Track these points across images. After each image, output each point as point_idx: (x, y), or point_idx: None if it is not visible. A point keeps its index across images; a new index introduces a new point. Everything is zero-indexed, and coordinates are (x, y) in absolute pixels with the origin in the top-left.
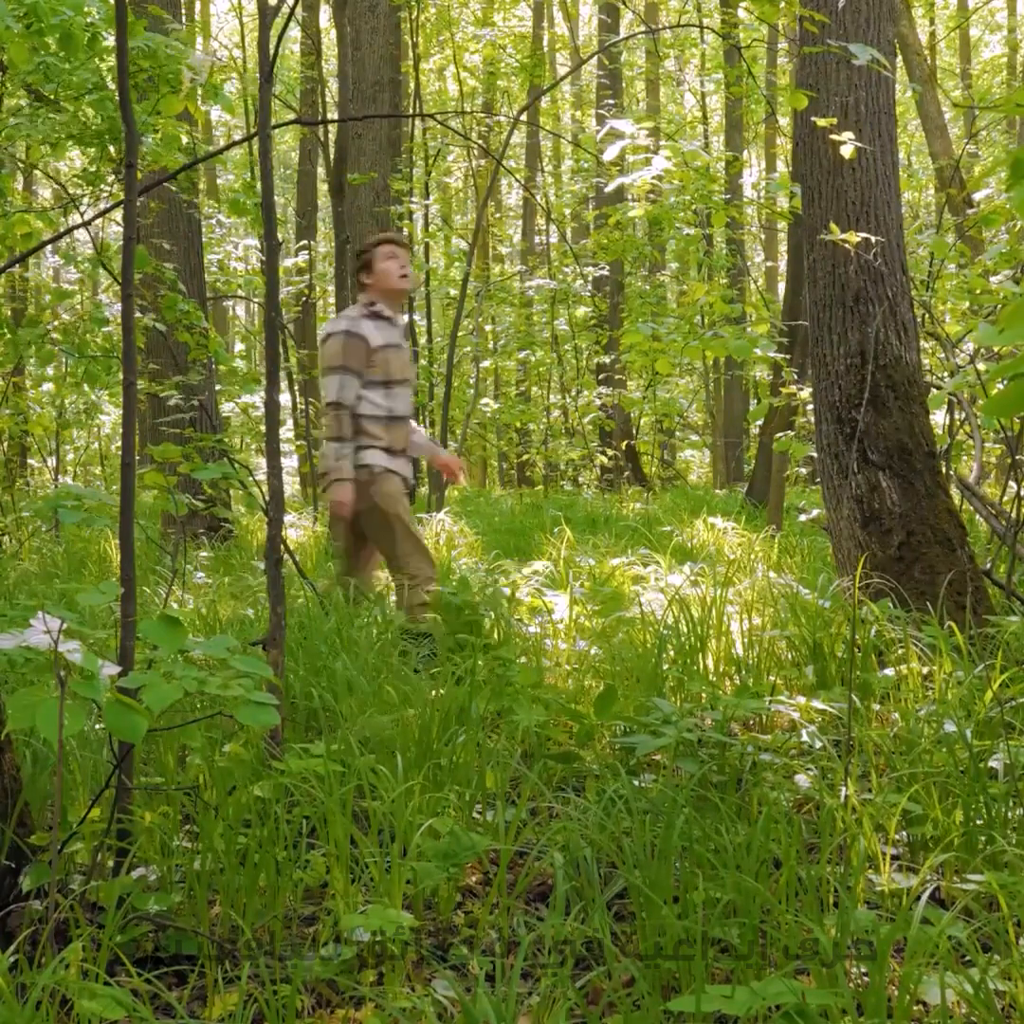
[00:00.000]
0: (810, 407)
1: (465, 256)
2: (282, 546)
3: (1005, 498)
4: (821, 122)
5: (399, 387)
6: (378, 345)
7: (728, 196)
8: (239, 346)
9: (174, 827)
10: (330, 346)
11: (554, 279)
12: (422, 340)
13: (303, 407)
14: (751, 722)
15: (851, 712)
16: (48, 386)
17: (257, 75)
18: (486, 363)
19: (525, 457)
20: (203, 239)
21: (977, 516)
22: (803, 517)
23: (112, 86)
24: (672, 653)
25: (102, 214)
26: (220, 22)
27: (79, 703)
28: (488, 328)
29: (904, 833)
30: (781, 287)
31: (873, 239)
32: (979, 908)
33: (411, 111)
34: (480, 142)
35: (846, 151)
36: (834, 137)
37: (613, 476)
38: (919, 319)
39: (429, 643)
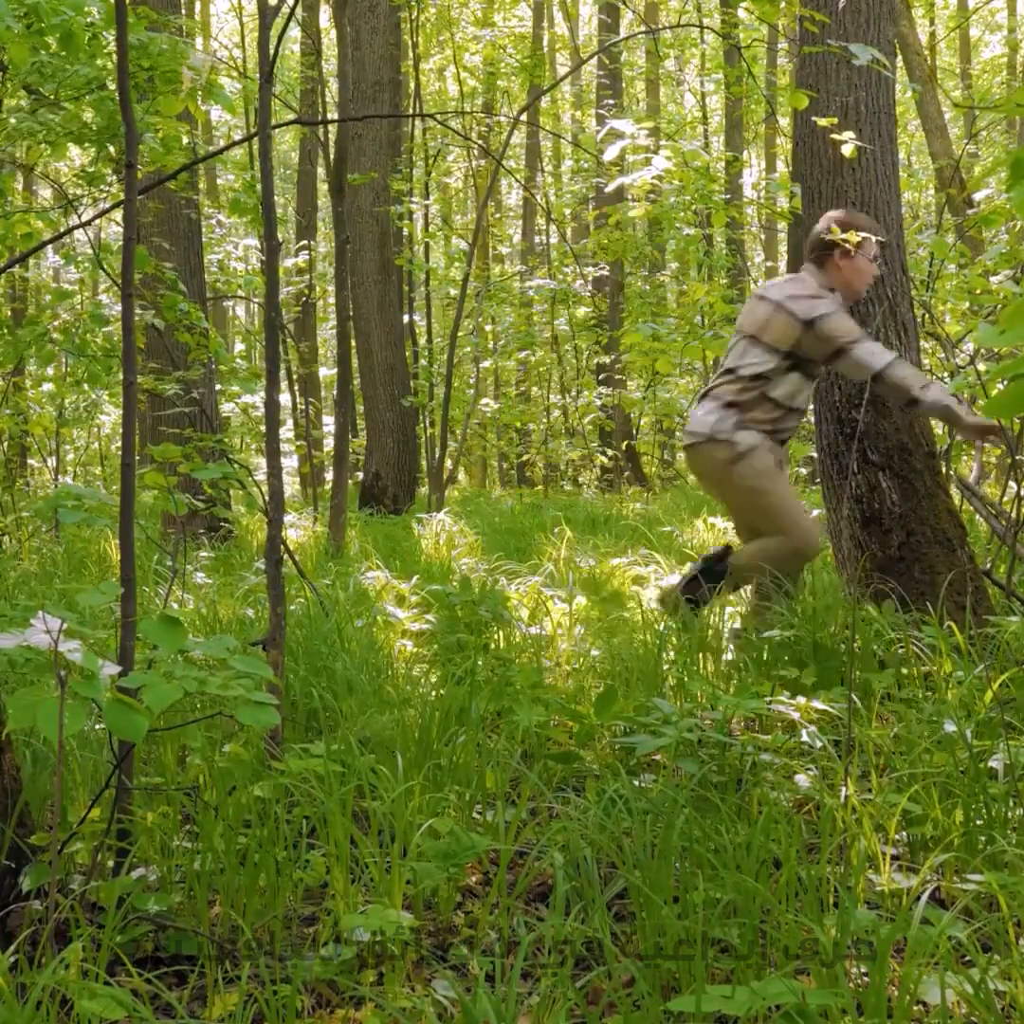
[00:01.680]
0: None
1: (465, 256)
2: (282, 546)
3: (1005, 498)
4: (822, 122)
5: None
6: None
7: (728, 196)
8: (239, 346)
9: (174, 827)
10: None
11: (554, 279)
12: (422, 340)
13: (303, 407)
14: (752, 722)
15: (851, 712)
16: (48, 386)
17: (257, 75)
18: (486, 363)
19: (525, 457)
20: (203, 239)
21: (977, 516)
22: None
23: (112, 86)
24: (672, 653)
25: (102, 214)
26: (220, 22)
27: (79, 703)
28: (488, 328)
29: (904, 833)
30: None
31: (873, 239)
32: (979, 908)
33: (411, 111)
34: (480, 142)
35: (847, 151)
36: (835, 137)
37: (613, 476)
38: (919, 319)
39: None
